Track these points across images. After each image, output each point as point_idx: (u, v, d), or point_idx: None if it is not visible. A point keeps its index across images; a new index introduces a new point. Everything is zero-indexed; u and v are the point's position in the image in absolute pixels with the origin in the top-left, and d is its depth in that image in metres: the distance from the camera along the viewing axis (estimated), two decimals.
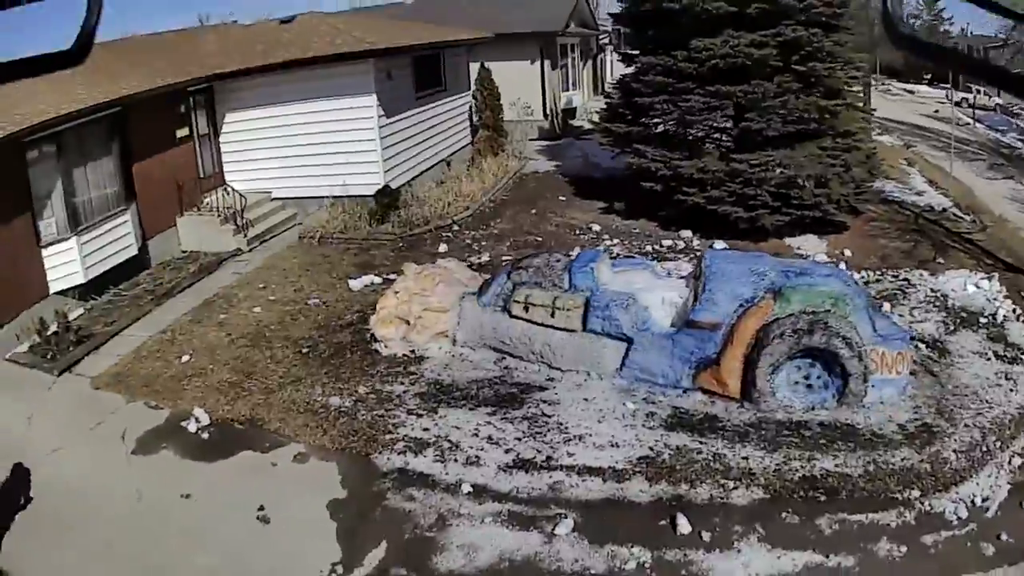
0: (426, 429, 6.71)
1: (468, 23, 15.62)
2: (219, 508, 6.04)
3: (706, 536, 5.47)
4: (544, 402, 6.96)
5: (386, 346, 7.90)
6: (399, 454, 6.43)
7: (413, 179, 12.24)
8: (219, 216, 10.62)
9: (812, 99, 11.71)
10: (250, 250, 10.64)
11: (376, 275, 9.54)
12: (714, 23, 11.56)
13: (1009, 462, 6.71)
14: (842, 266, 11.54)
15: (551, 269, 7.40)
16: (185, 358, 8.23)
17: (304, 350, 8.18)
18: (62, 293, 9.42)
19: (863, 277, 11.09)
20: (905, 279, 11.64)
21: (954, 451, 6.73)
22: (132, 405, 7.62)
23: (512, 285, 7.43)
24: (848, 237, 12.94)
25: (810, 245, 12.19)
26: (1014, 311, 10.84)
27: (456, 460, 6.32)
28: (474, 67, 14.98)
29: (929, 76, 39.72)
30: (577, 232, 11.21)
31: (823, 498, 5.87)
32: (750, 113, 11.56)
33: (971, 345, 9.63)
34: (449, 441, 6.53)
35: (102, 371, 8.20)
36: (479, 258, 10.04)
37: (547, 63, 17.15)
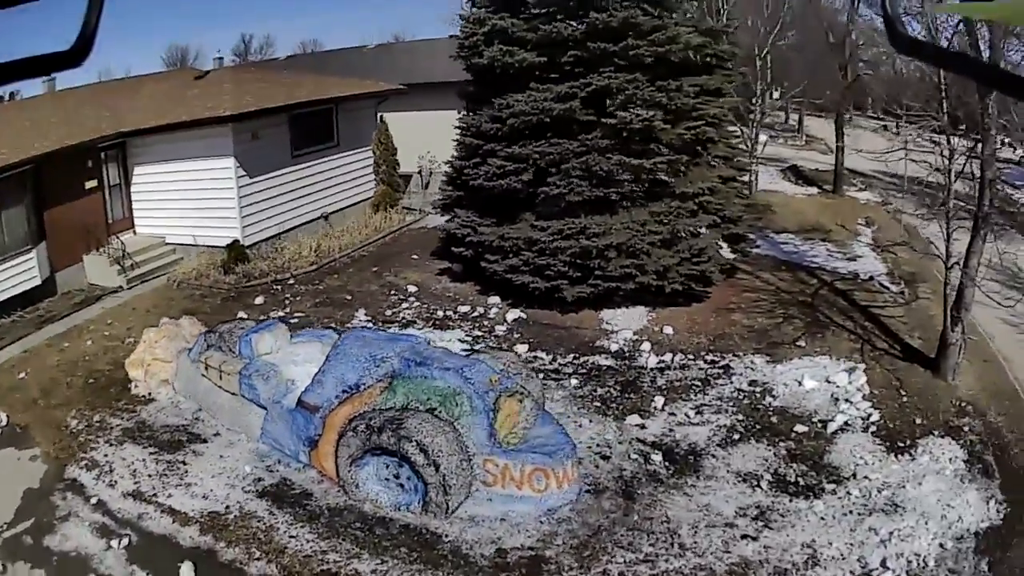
0: (106, 455, 10.07)
1: (408, 72, 18.77)
2: None
3: None
4: (194, 452, 9.91)
5: (136, 386, 11.43)
6: (79, 468, 9.84)
7: (284, 232, 15.74)
8: (109, 257, 14.94)
9: (620, 158, 12.37)
10: (129, 288, 14.82)
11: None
12: (525, 77, 12.79)
13: None
14: (646, 345, 12.42)
15: (231, 335, 10.39)
16: (22, 375, 12.40)
17: (91, 380, 12.00)
18: None
19: (660, 362, 11.94)
20: (726, 366, 11.95)
21: None
22: None
23: (206, 346, 10.57)
24: (694, 311, 13.65)
25: (625, 319, 13.26)
26: (866, 418, 10.38)
27: (104, 481, 9.58)
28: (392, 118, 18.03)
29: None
30: (392, 293, 13.93)
31: None
32: (552, 176, 12.65)
33: (746, 463, 9.22)
34: (111, 467, 9.83)
35: None
36: (278, 312, 13.23)
37: None
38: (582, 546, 7.46)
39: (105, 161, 15.52)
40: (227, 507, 8.82)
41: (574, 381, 11.48)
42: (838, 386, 11.19)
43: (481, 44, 13.24)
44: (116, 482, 9.55)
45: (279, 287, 14.16)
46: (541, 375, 11.38)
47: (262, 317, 12.94)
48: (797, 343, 12.62)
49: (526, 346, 12.32)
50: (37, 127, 15.07)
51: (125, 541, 8.58)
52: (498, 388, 8.62)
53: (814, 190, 24.26)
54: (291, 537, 8.17)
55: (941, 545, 7.71)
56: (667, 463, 9.25)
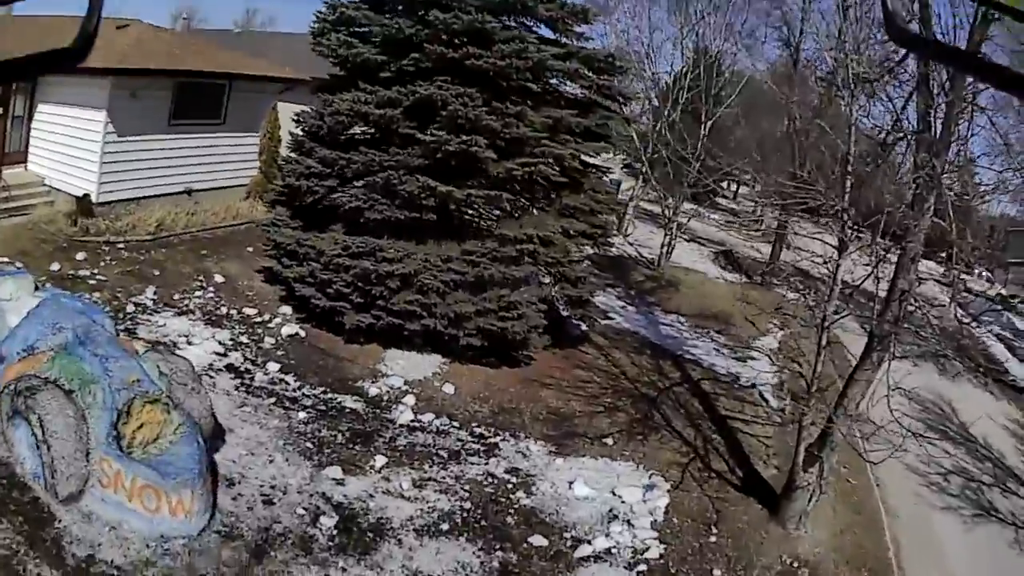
0: None
1: None
2: None
3: None
4: None
5: None
6: None
7: (145, 198, 17.64)
8: None
9: (426, 181, 12.15)
10: None
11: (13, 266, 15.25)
12: (366, 75, 12.89)
13: None
14: (410, 399, 12.08)
15: None
16: None
17: None
18: None
19: (416, 421, 11.64)
20: (493, 444, 10.94)
21: None
22: None
23: None
24: (499, 374, 13.26)
25: (410, 364, 13.30)
26: (642, 550, 8.41)
27: None
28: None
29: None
30: (198, 278, 15.59)
31: None
32: (355, 187, 12.78)
33: (435, 564, 7.95)
34: None
35: None
36: (85, 271, 15.10)
37: None
38: None
39: (15, 92, 17.78)
40: None
41: (302, 415, 11.50)
42: (623, 501, 9.65)
43: (329, 32, 13.65)
44: None
45: (107, 248, 16.07)
46: (273, 399, 12.04)
47: (71, 272, 14.90)
48: (603, 439, 11.46)
49: (279, 366, 13.01)
50: None
51: None
52: (135, 390, 9.09)
53: (741, 278, 24.20)
54: None
55: None
56: (336, 531, 8.55)
